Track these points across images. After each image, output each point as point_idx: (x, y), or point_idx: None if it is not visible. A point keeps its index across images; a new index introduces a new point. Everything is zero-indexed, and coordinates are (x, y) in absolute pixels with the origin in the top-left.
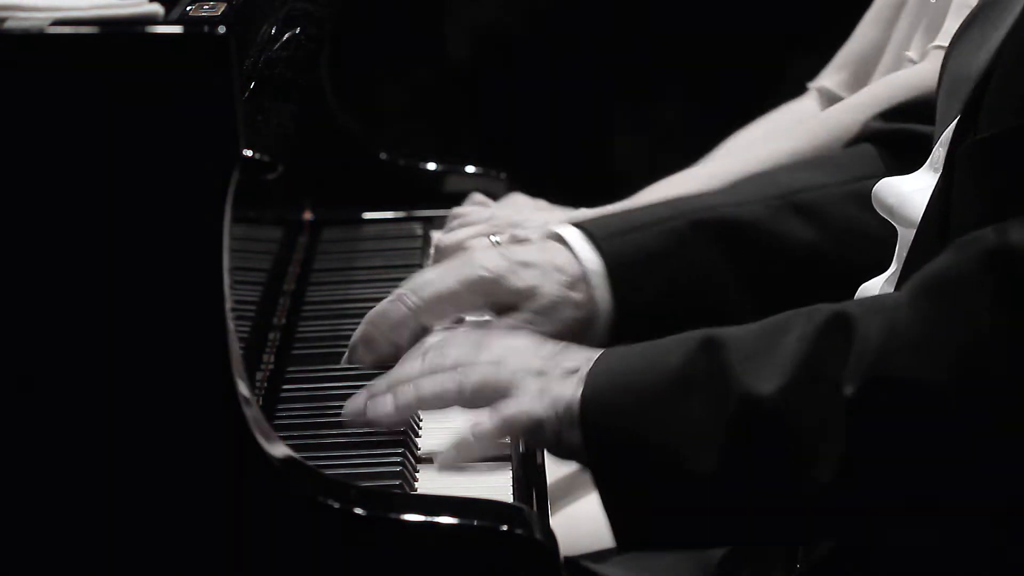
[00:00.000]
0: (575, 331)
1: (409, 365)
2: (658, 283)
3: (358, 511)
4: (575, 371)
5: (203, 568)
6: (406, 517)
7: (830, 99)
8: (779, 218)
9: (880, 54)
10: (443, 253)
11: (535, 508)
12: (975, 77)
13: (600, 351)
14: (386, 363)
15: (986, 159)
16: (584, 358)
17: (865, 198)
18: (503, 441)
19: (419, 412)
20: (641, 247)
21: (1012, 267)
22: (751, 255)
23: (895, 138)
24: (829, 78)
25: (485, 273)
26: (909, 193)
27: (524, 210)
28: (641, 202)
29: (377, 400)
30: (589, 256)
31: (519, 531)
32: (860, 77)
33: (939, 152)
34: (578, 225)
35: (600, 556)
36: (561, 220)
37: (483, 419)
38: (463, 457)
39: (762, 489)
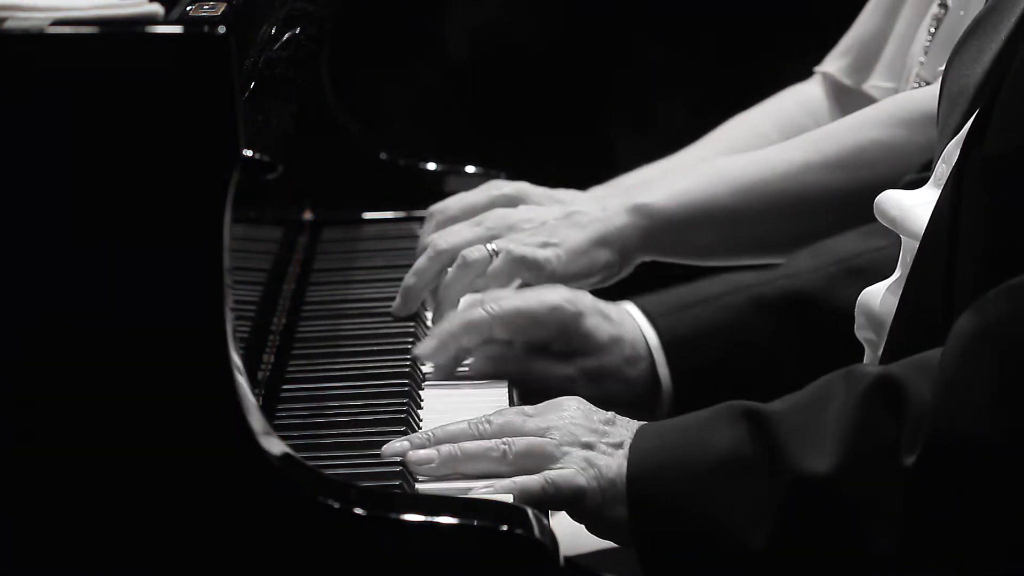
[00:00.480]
0: (615, 402)
1: (455, 426)
2: (716, 359)
3: (358, 511)
4: (620, 445)
5: (203, 568)
6: (406, 517)
7: (833, 85)
8: (838, 284)
9: (883, 43)
10: (440, 257)
11: (535, 508)
12: (973, 89)
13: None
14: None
15: (996, 177)
16: (630, 433)
17: None
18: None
19: (419, 412)
20: (698, 324)
21: None
22: (812, 324)
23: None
24: (833, 63)
25: (569, 307)
26: (911, 207)
27: (518, 209)
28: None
29: (421, 452)
30: (651, 334)
31: (519, 531)
32: (862, 64)
33: (942, 168)
34: (635, 302)
35: (600, 556)
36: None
37: (529, 478)
38: (498, 493)
39: (818, 563)
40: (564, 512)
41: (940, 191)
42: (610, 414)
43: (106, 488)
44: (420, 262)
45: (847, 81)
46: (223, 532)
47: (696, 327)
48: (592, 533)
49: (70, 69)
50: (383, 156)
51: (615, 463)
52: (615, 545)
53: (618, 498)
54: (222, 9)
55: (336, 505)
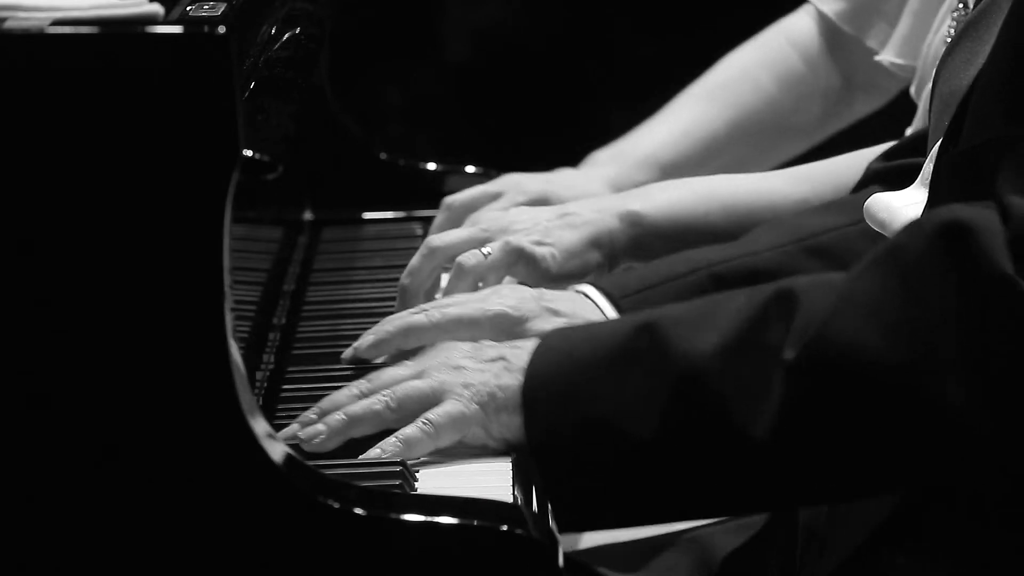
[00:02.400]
0: None
1: (340, 393)
2: None
3: (358, 511)
4: (497, 358)
5: (203, 568)
6: (406, 517)
7: (828, 26)
8: (797, 263)
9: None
10: (434, 255)
11: (535, 508)
12: (963, 92)
13: (531, 339)
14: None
15: (963, 171)
16: (508, 346)
17: (878, 237)
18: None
19: None
20: (659, 304)
21: (961, 240)
22: None
23: (900, 173)
24: (828, 3)
25: (511, 312)
26: (899, 208)
27: (512, 211)
28: (650, 140)
29: (309, 428)
30: (612, 315)
31: (519, 531)
32: (861, 13)
33: (929, 168)
34: (596, 285)
35: (600, 555)
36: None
37: (409, 427)
38: (388, 454)
39: (700, 453)
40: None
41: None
42: (487, 341)
43: (106, 488)
44: (414, 261)
45: (845, 27)
46: (223, 532)
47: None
48: (490, 454)
49: (70, 69)
50: (383, 156)
51: (490, 376)
52: (615, 543)
53: (500, 407)
54: (222, 9)
55: (336, 505)
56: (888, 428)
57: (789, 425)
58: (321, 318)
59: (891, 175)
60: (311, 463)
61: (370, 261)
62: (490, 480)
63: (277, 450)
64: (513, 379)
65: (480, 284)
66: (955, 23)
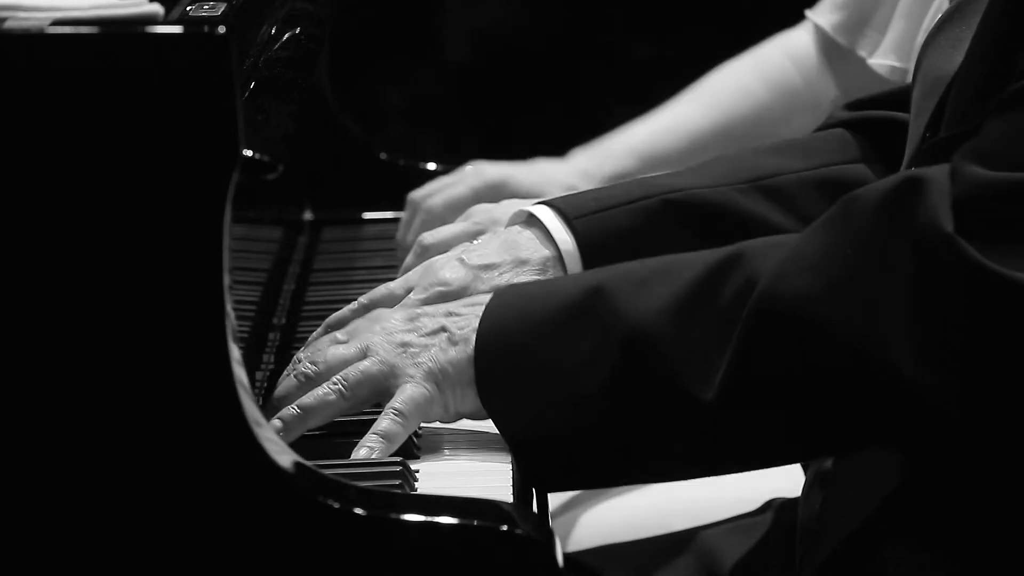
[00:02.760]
0: None
1: (285, 383)
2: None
3: (358, 511)
4: (438, 330)
5: (203, 568)
6: (406, 517)
7: (824, 39)
8: (748, 201)
9: (878, 8)
10: (428, 252)
11: (535, 508)
12: (949, 78)
13: (462, 301)
14: None
15: (941, 159)
16: (443, 314)
17: (832, 184)
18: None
19: None
20: (613, 226)
21: (909, 196)
22: (719, 236)
23: (869, 124)
24: (826, 15)
25: (445, 288)
26: None
27: (504, 203)
28: (631, 135)
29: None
30: (562, 237)
31: (519, 531)
32: (855, 25)
33: (911, 155)
34: (550, 204)
35: (600, 555)
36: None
37: (382, 423)
38: (378, 453)
39: (650, 412)
40: (562, 509)
41: None
42: (416, 310)
43: (106, 489)
44: (409, 260)
45: (841, 40)
46: (223, 532)
47: (612, 230)
48: (448, 421)
49: (70, 69)
50: (383, 156)
51: (437, 352)
52: (615, 543)
53: (454, 383)
54: (222, 9)
55: (336, 505)
56: (835, 385)
57: (737, 385)
58: (321, 318)
59: (855, 124)
60: (311, 463)
61: (370, 261)
62: (490, 480)
63: (277, 450)
64: (461, 352)
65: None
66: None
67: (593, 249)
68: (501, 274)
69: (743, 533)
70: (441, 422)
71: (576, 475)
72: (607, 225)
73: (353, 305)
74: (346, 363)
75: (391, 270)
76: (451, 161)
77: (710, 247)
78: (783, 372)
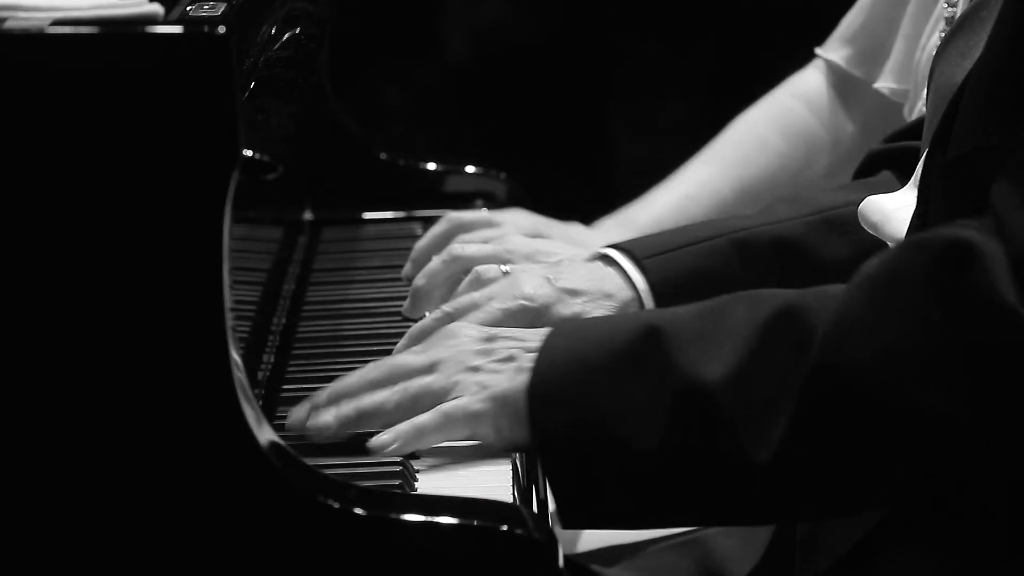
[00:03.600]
0: None
1: (350, 379)
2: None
3: (358, 511)
4: (509, 359)
5: (203, 568)
6: (406, 517)
7: (837, 74)
8: (817, 233)
9: (891, 35)
10: (455, 263)
11: (535, 508)
12: (958, 87)
13: (538, 331)
14: None
15: (954, 180)
16: (517, 341)
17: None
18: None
19: None
20: (684, 267)
21: (964, 263)
22: (793, 270)
23: (904, 155)
24: (837, 51)
25: (529, 304)
26: (892, 211)
27: (536, 242)
28: (655, 205)
29: (319, 413)
30: (637, 277)
31: (519, 531)
32: (868, 56)
33: (920, 169)
34: (618, 247)
35: (600, 556)
36: (581, 254)
37: (423, 416)
38: (400, 443)
39: (700, 468)
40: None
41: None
42: (492, 330)
43: (105, 488)
44: (434, 264)
45: (856, 72)
46: (223, 532)
47: (682, 269)
48: (498, 451)
49: (70, 69)
50: (383, 156)
51: (504, 378)
52: (615, 544)
53: (511, 410)
54: (222, 9)
55: (336, 505)
56: (890, 451)
57: (793, 449)
58: (321, 318)
59: (892, 157)
60: (311, 463)
61: (370, 261)
62: (490, 480)
63: (277, 450)
64: (523, 381)
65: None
66: (947, 24)
67: (663, 289)
68: (585, 302)
69: (742, 534)
70: (486, 451)
71: (616, 521)
72: (675, 265)
73: (437, 314)
74: (412, 373)
75: (391, 270)
76: (451, 161)
77: (785, 283)
78: (841, 437)
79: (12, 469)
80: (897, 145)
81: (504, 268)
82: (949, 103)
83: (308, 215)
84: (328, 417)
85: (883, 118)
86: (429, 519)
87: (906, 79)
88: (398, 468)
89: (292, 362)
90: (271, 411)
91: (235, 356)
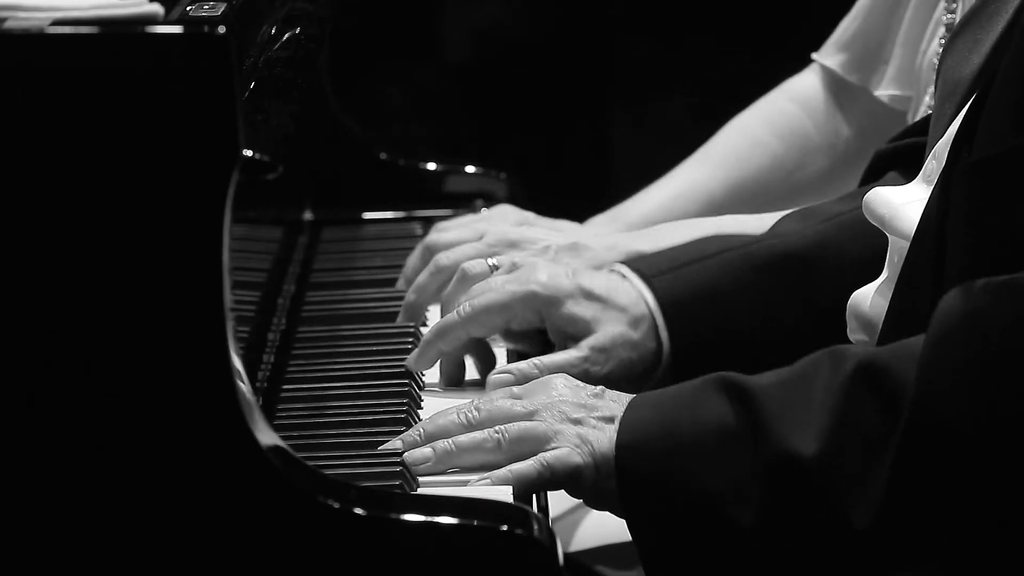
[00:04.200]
0: (629, 372)
1: (444, 418)
2: (713, 317)
3: (358, 511)
4: (611, 419)
5: (203, 568)
6: (406, 517)
7: (833, 79)
8: (826, 239)
9: (887, 41)
10: (442, 272)
11: (535, 508)
12: (968, 81)
13: (632, 397)
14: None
15: (981, 178)
16: (620, 404)
17: None
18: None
19: (419, 412)
20: (693, 283)
21: None
22: (804, 283)
23: (909, 152)
24: (832, 57)
25: (541, 290)
26: (900, 205)
27: (521, 228)
28: (646, 202)
29: (416, 452)
30: (648, 296)
31: (519, 531)
32: (865, 62)
33: (932, 164)
34: (628, 264)
35: (600, 555)
36: (570, 239)
37: (524, 464)
38: (496, 483)
39: (800, 541)
40: (562, 509)
41: (931, 189)
42: (598, 388)
43: (106, 488)
44: (422, 278)
45: (851, 78)
46: (223, 532)
47: (692, 286)
48: (591, 507)
49: (70, 69)
50: (383, 156)
51: (606, 436)
52: (615, 543)
53: (612, 472)
54: (222, 9)
55: (336, 505)
56: (992, 502)
57: (892, 513)
58: (321, 318)
59: (899, 154)
60: (311, 463)
61: (370, 261)
62: None
63: (277, 450)
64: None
65: None
66: (947, 29)
67: (672, 306)
68: (600, 309)
69: None
70: (584, 502)
71: None
72: (683, 282)
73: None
74: (511, 418)
75: (391, 270)
76: (451, 161)
77: (801, 294)
78: (941, 496)
79: (12, 469)
80: (904, 143)
81: (491, 261)
82: (972, 102)
83: (308, 215)
84: (426, 450)
85: (879, 123)
86: (429, 519)
87: (907, 86)
88: (398, 468)
89: (292, 362)
90: (271, 411)
91: (235, 356)
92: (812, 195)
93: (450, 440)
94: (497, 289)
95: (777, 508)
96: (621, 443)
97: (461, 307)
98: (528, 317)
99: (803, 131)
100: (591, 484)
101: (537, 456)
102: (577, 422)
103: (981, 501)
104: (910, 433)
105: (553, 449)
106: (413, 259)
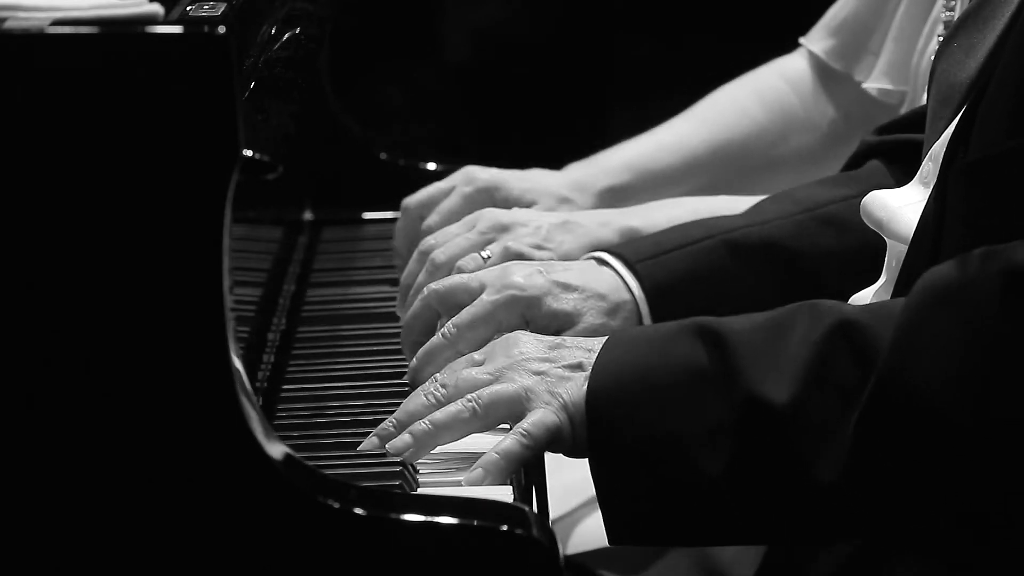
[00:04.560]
0: None
1: (413, 403)
2: (697, 304)
3: (358, 511)
4: (578, 365)
5: (203, 568)
6: (406, 517)
7: (818, 66)
8: (807, 231)
9: (874, 31)
10: (440, 270)
11: (535, 508)
12: (965, 84)
13: (602, 340)
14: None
15: (978, 180)
16: (584, 350)
17: None
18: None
19: None
20: (677, 269)
21: None
22: (785, 271)
23: (894, 148)
24: (819, 42)
25: (519, 293)
26: (898, 208)
27: (512, 211)
28: (626, 149)
29: (397, 441)
30: (632, 282)
31: (519, 531)
32: (851, 50)
33: (929, 167)
34: (611, 251)
35: (600, 556)
36: (562, 217)
37: (506, 441)
38: (492, 476)
39: (766, 489)
40: (562, 509)
41: (928, 192)
42: (559, 338)
43: (106, 488)
44: (420, 278)
45: (835, 65)
46: (223, 532)
47: (676, 273)
48: (572, 457)
49: (70, 69)
50: (383, 156)
51: (576, 385)
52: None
53: (583, 422)
54: (222, 9)
55: (336, 505)
56: (957, 467)
57: (857, 468)
58: (321, 318)
59: (885, 148)
60: (311, 463)
61: (370, 261)
62: None
63: (277, 450)
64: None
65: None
66: (948, 18)
67: (657, 292)
68: (578, 299)
69: None
70: (565, 456)
71: (671, 539)
72: (667, 269)
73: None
74: (478, 385)
75: (391, 270)
76: (451, 161)
77: (777, 282)
78: (907, 458)
79: (12, 469)
80: (892, 137)
81: (484, 253)
82: (968, 105)
83: (308, 215)
84: (406, 437)
85: (867, 111)
86: (429, 519)
87: (900, 81)
88: (398, 468)
89: (292, 362)
90: (271, 411)
91: (235, 356)
92: (791, 171)
93: (426, 420)
94: (477, 303)
95: (745, 456)
96: (592, 387)
97: (446, 329)
98: (513, 321)
99: (789, 106)
100: (569, 437)
101: (514, 430)
102: (544, 374)
103: (946, 466)
104: (880, 391)
105: (528, 415)
106: (397, 243)
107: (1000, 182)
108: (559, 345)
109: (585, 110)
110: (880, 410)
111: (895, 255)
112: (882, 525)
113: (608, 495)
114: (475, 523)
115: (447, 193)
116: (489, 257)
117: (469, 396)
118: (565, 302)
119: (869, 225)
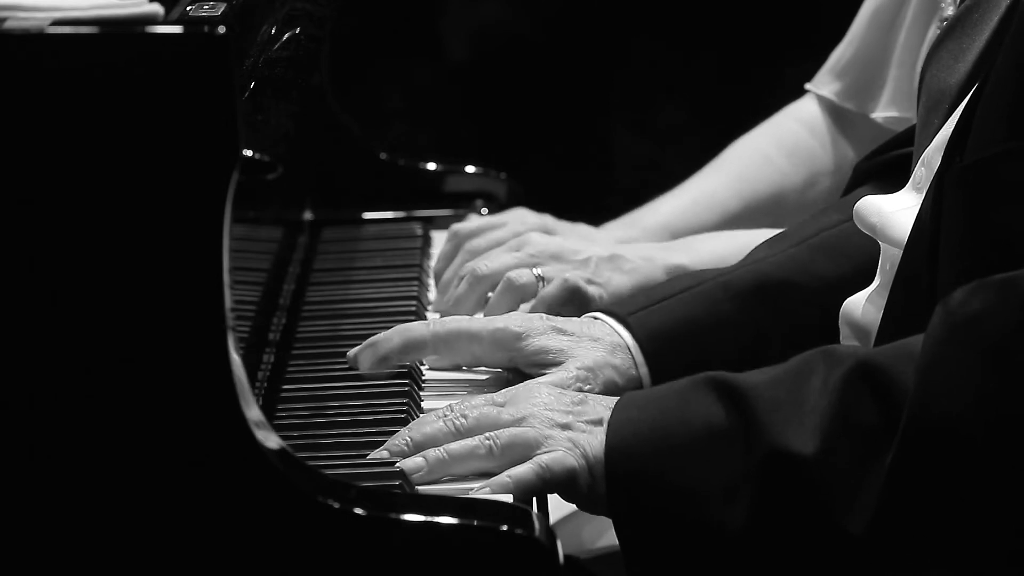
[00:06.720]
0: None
1: (431, 427)
2: (692, 349)
3: (358, 511)
4: (599, 421)
5: (203, 568)
6: (406, 517)
7: (831, 108)
8: (799, 261)
9: (883, 65)
10: (481, 283)
11: (535, 508)
12: (954, 89)
13: (619, 398)
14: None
15: (975, 182)
16: (604, 407)
17: None
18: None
19: (419, 413)
20: (671, 316)
21: None
22: (781, 305)
23: (888, 167)
24: (828, 85)
25: (513, 327)
26: (891, 213)
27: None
28: (662, 209)
29: (409, 461)
30: (620, 330)
31: (519, 531)
32: (863, 86)
33: (921, 172)
34: (601, 309)
35: (600, 556)
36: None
37: (522, 468)
38: (496, 492)
39: (791, 543)
40: (562, 509)
41: (922, 196)
42: (580, 394)
43: (106, 488)
44: (461, 289)
45: (848, 105)
46: (223, 532)
47: (667, 319)
48: (586, 511)
49: (70, 69)
50: (383, 156)
51: (597, 440)
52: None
53: (604, 475)
54: (222, 9)
55: (336, 505)
56: (994, 505)
57: (890, 514)
58: (321, 318)
59: (879, 170)
60: (311, 463)
61: (370, 261)
62: None
63: (276, 450)
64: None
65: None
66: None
67: (650, 340)
68: (572, 340)
69: None
70: (578, 507)
71: None
72: (658, 316)
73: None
74: (498, 425)
75: (391, 270)
76: (451, 161)
77: (780, 319)
78: (940, 496)
79: (12, 469)
80: (881, 159)
81: (536, 271)
82: (964, 109)
83: (308, 215)
84: (419, 460)
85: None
86: (429, 519)
87: (906, 107)
88: (398, 468)
89: (292, 362)
90: (271, 411)
91: (235, 356)
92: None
93: (441, 449)
94: (474, 320)
95: (769, 509)
96: (610, 445)
97: (434, 324)
98: (494, 353)
99: (811, 151)
100: (585, 487)
101: (533, 459)
102: (566, 427)
103: (982, 504)
104: (910, 434)
105: (547, 452)
106: (440, 266)
107: (997, 183)
108: (582, 401)
109: (585, 110)
110: (914, 451)
111: (889, 259)
112: (915, 569)
113: (632, 552)
114: (475, 523)
115: (498, 227)
116: (542, 277)
117: (488, 434)
118: (557, 341)
119: (863, 230)
